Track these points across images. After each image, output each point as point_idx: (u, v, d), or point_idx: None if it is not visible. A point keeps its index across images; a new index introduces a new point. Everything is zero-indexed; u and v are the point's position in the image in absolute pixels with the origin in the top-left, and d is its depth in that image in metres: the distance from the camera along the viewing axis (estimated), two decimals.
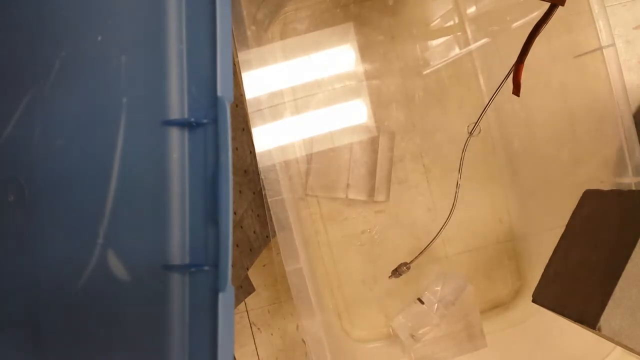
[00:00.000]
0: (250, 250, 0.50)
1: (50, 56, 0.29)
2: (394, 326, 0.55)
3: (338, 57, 0.58)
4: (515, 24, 0.53)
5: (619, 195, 0.39)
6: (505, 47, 0.56)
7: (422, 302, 0.55)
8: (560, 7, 0.36)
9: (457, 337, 0.52)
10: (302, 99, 0.58)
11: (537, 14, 0.38)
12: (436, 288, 0.56)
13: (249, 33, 0.39)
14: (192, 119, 0.28)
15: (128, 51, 0.29)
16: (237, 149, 0.47)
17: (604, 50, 0.40)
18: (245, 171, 0.48)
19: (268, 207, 0.41)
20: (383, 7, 0.58)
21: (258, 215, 0.50)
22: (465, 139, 0.49)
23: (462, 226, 0.59)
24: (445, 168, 0.58)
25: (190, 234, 0.28)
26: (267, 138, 0.40)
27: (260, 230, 0.51)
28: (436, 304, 0.53)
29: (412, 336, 0.52)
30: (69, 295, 0.29)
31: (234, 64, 0.39)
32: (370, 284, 0.58)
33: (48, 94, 0.29)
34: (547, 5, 0.36)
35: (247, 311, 0.58)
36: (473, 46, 0.58)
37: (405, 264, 0.52)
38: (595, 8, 0.40)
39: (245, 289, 0.54)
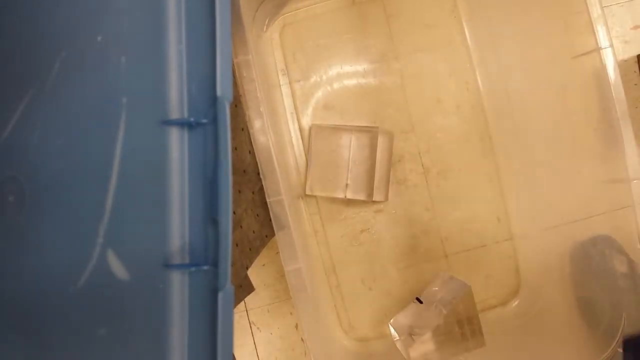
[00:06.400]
0: (250, 249, 0.50)
1: (50, 56, 0.29)
2: (392, 326, 0.55)
3: (338, 58, 0.58)
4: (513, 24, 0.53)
5: None
6: (505, 46, 0.56)
7: (420, 302, 0.55)
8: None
9: (456, 337, 0.52)
10: (301, 98, 0.58)
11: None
12: (435, 287, 0.56)
13: (248, 33, 0.39)
14: (192, 119, 0.28)
15: (128, 51, 0.29)
16: (236, 148, 0.47)
17: (601, 51, 0.41)
18: (244, 171, 0.48)
19: (268, 207, 0.41)
20: (382, 7, 0.58)
21: (257, 215, 0.50)
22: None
23: (461, 226, 0.59)
24: (444, 168, 0.59)
25: (190, 233, 0.28)
26: (266, 138, 0.40)
27: (259, 229, 0.51)
28: (435, 304, 0.53)
29: (411, 335, 0.52)
30: (69, 295, 0.29)
31: (233, 64, 0.39)
32: (369, 283, 0.58)
33: (48, 94, 0.29)
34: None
35: (246, 310, 0.58)
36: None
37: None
38: (593, 9, 0.40)
39: (244, 288, 0.54)
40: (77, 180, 0.29)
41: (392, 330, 0.55)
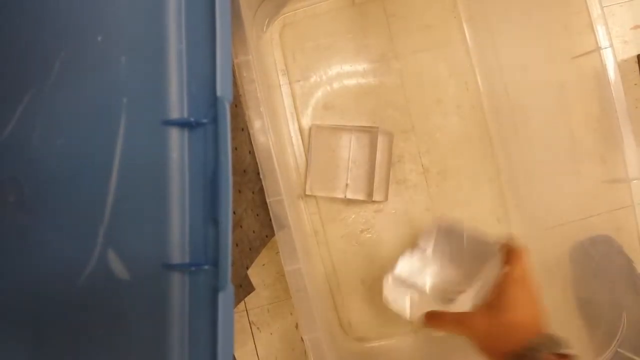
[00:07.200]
0: (250, 249, 0.50)
1: (50, 56, 0.29)
2: (386, 293, 0.50)
3: (338, 58, 0.58)
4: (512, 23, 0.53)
5: None
6: (505, 46, 0.56)
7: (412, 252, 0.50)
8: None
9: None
10: (300, 98, 0.58)
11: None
12: (429, 236, 0.52)
13: (248, 33, 0.39)
14: (192, 119, 0.28)
15: (128, 51, 0.29)
16: (236, 148, 0.47)
17: (601, 51, 0.41)
18: (244, 171, 0.48)
19: (268, 207, 0.41)
20: (382, 7, 0.58)
21: (257, 215, 0.50)
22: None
23: None
24: (444, 168, 0.59)
25: (190, 233, 0.28)
26: (266, 138, 0.40)
27: (259, 229, 0.51)
28: (431, 247, 0.49)
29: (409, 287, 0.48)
30: (69, 295, 0.29)
31: (233, 64, 0.39)
32: (369, 283, 0.58)
33: (48, 94, 0.29)
34: None
35: (246, 310, 0.58)
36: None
37: None
38: (593, 8, 0.40)
39: (244, 288, 0.54)
40: (77, 180, 0.29)
41: (387, 298, 0.50)
